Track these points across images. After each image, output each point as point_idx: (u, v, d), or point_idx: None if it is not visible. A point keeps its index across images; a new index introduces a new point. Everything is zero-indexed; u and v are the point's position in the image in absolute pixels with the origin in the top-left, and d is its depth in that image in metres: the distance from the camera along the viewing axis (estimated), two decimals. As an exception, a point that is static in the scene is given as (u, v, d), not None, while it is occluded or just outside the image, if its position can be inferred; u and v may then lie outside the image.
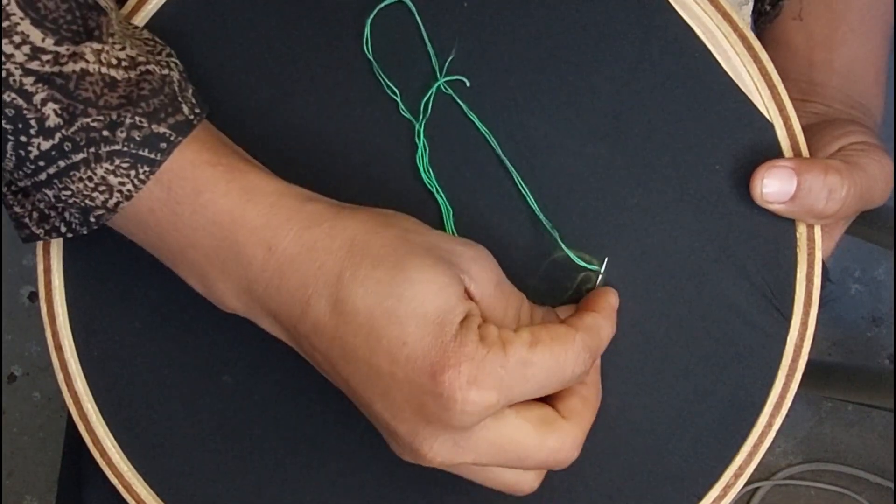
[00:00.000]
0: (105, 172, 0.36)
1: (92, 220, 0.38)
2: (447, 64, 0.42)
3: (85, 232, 0.38)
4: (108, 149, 0.36)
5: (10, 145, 0.35)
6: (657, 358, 0.43)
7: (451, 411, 0.34)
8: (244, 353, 0.43)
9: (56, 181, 0.36)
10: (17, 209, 0.39)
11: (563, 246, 0.42)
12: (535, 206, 0.42)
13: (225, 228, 0.37)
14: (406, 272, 0.35)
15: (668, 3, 0.42)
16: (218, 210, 0.37)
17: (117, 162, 0.36)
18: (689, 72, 0.43)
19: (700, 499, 0.43)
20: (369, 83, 0.43)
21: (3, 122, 0.35)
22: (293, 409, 0.43)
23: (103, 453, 0.44)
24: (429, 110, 0.42)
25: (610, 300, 0.41)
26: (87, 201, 0.37)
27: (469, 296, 0.37)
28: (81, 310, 0.44)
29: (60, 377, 0.44)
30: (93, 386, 0.44)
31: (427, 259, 0.36)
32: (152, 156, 0.36)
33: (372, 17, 0.42)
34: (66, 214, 0.38)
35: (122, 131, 0.36)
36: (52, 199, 0.37)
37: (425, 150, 0.42)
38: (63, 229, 0.39)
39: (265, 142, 0.42)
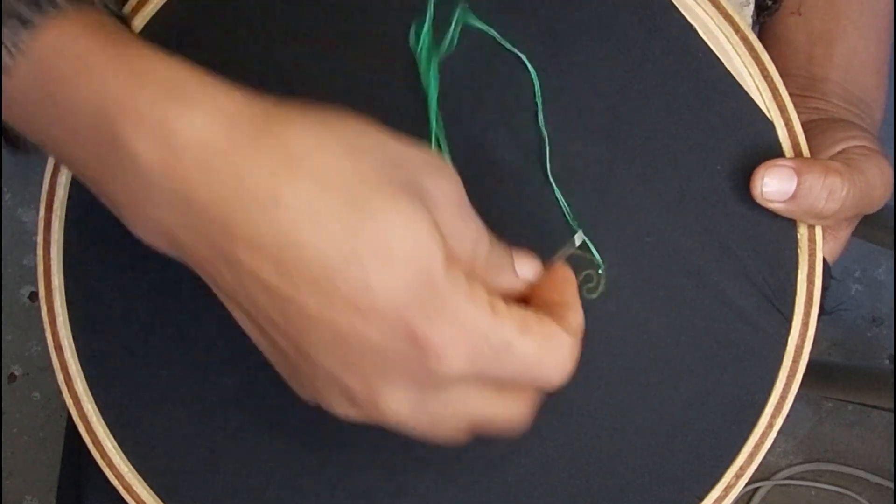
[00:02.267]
0: None
1: None
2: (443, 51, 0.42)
3: None
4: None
5: None
6: (658, 358, 0.43)
7: (424, 369, 0.29)
8: (244, 353, 0.43)
9: None
10: None
11: (586, 239, 0.42)
12: (561, 200, 0.42)
13: (111, 121, 0.29)
14: (362, 202, 0.28)
15: (671, 3, 0.42)
16: (104, 95, 0.29)
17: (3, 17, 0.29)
18: (690, 72, 0.43)
19: (701, 499, 0.43)
20: (372, 83, 0.43)
21: None
22: (293, 409, 0.43)
23: (103, 453, 0.44)
24: (438, 123, 0.42)
25: (573, 285, 0.36)
26: None
27: None
28: (81, 310, 0.44)
29: (60, 377, 0.44)
30: (93, 386, 0.44)
31: (385, 185, 0.29)
32: (32, 17, 0.30)
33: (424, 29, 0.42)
34: None
35: None
36: None
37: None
38: None
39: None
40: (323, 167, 0.28)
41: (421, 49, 0.41)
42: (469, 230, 0.32)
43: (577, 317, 0.34)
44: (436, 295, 0.29)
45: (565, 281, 0.36)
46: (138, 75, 0.29)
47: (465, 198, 0.32)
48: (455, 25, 0.42)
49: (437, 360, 0.29)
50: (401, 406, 0.31)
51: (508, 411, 0.33)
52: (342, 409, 0.33)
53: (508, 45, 0.42)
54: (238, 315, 0.33)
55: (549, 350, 0.31)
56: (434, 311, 0.29)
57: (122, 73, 0.29)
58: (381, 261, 0.28)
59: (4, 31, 0.29)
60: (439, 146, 0.42)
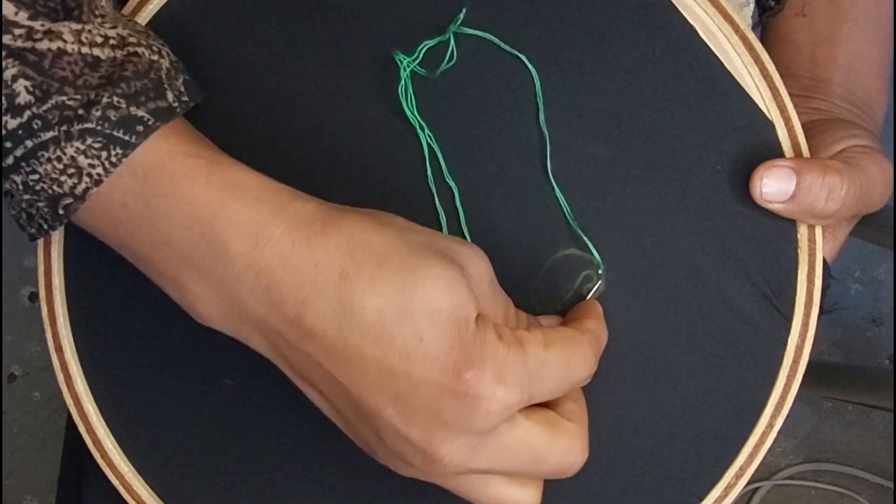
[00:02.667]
0: (75, 152, 0.34)
1: (61, 211, 0.36)
2: (444, 66, 0.42)
3: (58, 226, 0.37)
4: (80, 127, 0.34)
5: None
6: (658, 358, 0.43)
7: (475, 411, 0.33)
8: (245, 353, 0.43)
9: (23, 164, 0.34)
10: (11, 211, 0.38)
11: (586, 240, 0.42)
12: (562, 199, 0.42)
13: (204, 222, 0.34)
14: (413, 270, 0.33)
15: (671, 3, 0.42)
16: (197, 202, 0.34)
17: (89, 141, 0.34)
18: (690, 72, 0.43)
19: (701, 499, 0.43)
20: (373, 83, 0.43)
21: None
22: (293, 409, 0.43)
23: (103, 454, 0.44)
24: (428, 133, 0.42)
25: (598, 309, 0.41)
26: (55, 187, 0.35)
27: None
28: (81, 310, 0.44)
29: (60, 377, 0.44)
30: (93, 386, 0.44)
31: (431, 257, 0.34)
32: (126, 137, 0.34)
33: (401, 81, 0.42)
34: (39, 208, 0.36)
35: (97, 110, 0.34)
36: (21, 188, 0.35)
37: (432, 152, 0.42)
38: (45, 226, 0.37)
39: (267, 142, 0.42)
40: (380, 246, 0.34)
41: (403, 92, 0.42)
42: (499, 303, 0.37)
43: (589, 323, 0.39)
44: (474, 339, 0.33)
45: (593, 305, 0.41)
46: (229, 185, 0.35)
47: (494, 275, 0.37)
48: (450, 37, 0.42)
49: (485, 399, 0.33)
50: (459, 451, 0.34)
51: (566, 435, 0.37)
52: (404, 469, 0.36)
53: (507, 48, 0.42)
54: (310, 392, 0.37)
55: (573, 350, 0.36)
56: (476, 352, 0.33)
57: (216, 183, 0.35)
58: (430, 317, 0.33)
59: (102, 153, 0.34)
60: (433, 152, 0.42)
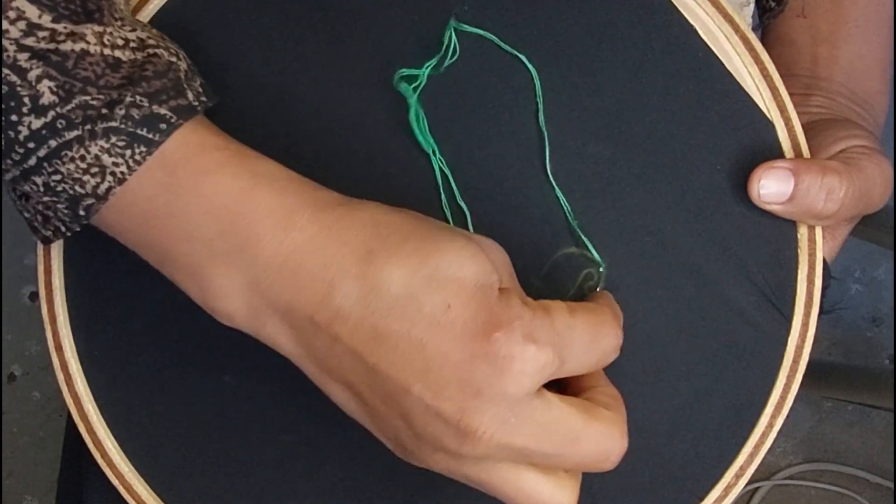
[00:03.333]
0: (99, 151, 0.34)
1: (81, 212, 0.36)
2: (448, 62, 0.42)
3: (77, 228, 0.37)
4: (104, 125, 0.34)
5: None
6: (658, 358, 0.43)
7: (507, 373, 0.33)
8: (245, 352, 0.43)
9: (45, 164, 0.35)
10: (25, 214, 0.39)
11: (586, 240, 0.42)
12: (562, 199, 0.42)
13: (233, 211, 0.35)
14: (437, 244, 0.34)
15: (671, 3, 0.42)
16: (226, 192, 0.35)
17: (113, 139, 0.34)
18: (690, 72, 0.43)
19: (701, 499, 0.43)
20: (376, 83, 0.43)
21: None
22: (294, 409, 0.43)
23: (103, 453, 0.44)
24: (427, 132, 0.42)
25: (610, 296, 0.41)
26: (76, 187, 0.35)
27: None
28: (81, 310, 0.44)
29: (60, 377, 0.44)
30: (93, 386, 0.44)
31: (453, 233, 0.35)
32: (150, 135, 0.35)
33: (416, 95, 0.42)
34: (58, 210, 0.37)
35: (120, 109, 0.34)
36: (42, 189, 0.36)
37: (437, 158, 0.43)
38: (62, 228, 0.38)
39: (268, 141, 0.42)
40: (403, 225, 0.35)
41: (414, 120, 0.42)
42: (519, 291, 0.37)
43: (605, 299, 0.39)
44: (501, 304, 0.34)
45: (605, 295, 0.41)
46: (256, 175, 0.35)
47: (513, 269, 0.37)
48: (448, 38, 0.42)
49: (517, 359, 0.33)
50: (492, 422, 0.33)
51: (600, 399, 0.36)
52: (433, 458, 0.35)
53: (507, 48, 0.42)
54: (333, 389, 0.36)
55: (597, 318, 0.36)
56: (503, 314, 0.33)
57: (244, 174, 0.35)
58: (456, 284, 0.33)
59: (127, 151, 0.35)
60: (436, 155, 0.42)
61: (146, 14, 0.42)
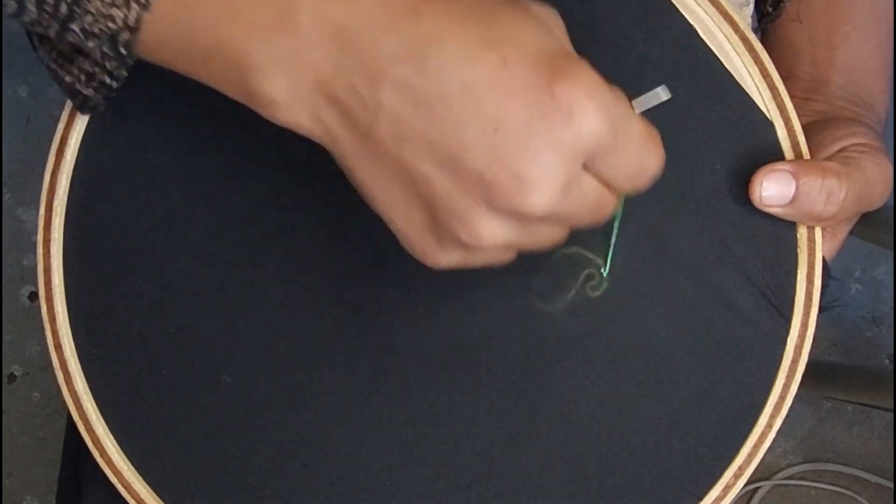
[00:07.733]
0: None
1: (122, 50, 0.35)
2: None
3: (125, 73, 0.36)
4: None
5: None
6: (658, 358, 0.43)
7: (566, 128, 0.32)
8: (244, 353, 0.43)
9: (76, 8, 0.34)
10: (67, 79, 0.38)
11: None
12: None
13: None
14: (489, 7, 0.33)
15: (671, 3, 0.42)
16: None
17: None
18: (690, 72, 0.43)
19: (700, 499, 0.43)
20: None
21: None
22: (293, 409, 0.43)
23: (103, 453, 0.44)
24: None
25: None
26: (108, 24, 0.34)
27: None
28: (81, 310, 0.44)
29: (60, 377, 0.44)
30: (93, 386, 0.44)
31: (514, 3, 0.33)
32: None
33: None
34: (100, 57, 0.36)
35: None
36: (82, 36, 0.35)
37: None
38: (107, 80, 0.37)
39: (269, 140, 0.42)
40: None
41: None
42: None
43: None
44: (566, 57, 0.32)
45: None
46: None
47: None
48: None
49: (576, 116, 0.32)
50: (546, 178, 0.32)
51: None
52: (467, 228, 0.33)
53: None
54: (370, 175, 0.35)
55: (652, 130, 0.35)
56: (569, 67, 0.32)
57: None
58: (514, 40, 0.32)
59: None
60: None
61: None
